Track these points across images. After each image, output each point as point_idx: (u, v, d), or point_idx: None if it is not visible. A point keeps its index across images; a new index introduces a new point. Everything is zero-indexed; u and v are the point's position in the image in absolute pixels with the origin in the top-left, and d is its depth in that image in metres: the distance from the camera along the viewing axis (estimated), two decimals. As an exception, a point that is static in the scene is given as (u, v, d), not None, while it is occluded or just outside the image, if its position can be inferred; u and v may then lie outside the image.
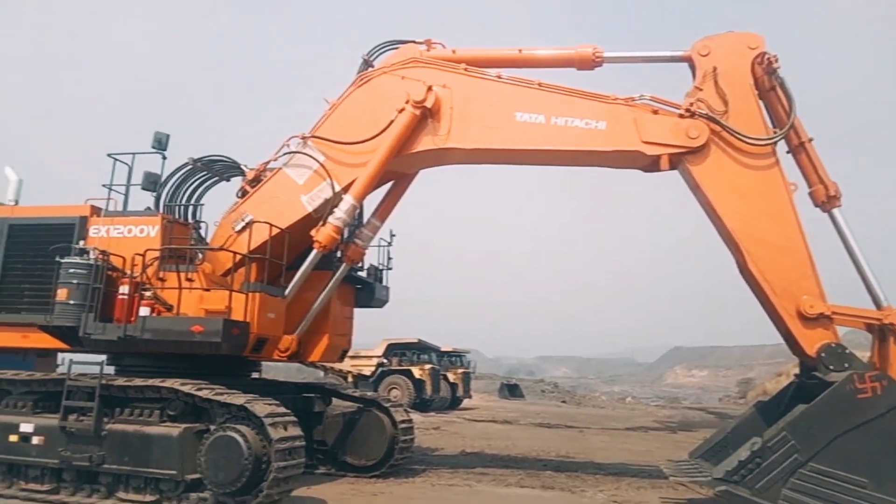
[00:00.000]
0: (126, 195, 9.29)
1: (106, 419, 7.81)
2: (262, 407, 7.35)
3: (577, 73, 9.63)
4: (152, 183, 9.28)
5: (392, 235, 11.77)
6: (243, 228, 9.33)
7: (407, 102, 9.27)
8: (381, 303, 11.64)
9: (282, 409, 7.63)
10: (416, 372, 28.22)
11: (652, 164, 9.09)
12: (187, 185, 10.26)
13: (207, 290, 8.59)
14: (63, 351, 9.29)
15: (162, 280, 8.68)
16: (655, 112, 8.93)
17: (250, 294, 8.40)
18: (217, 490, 7.21)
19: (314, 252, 9.36)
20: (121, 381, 7.91)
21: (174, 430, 7.51)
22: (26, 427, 8.02)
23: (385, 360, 29.15)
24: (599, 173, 9.97)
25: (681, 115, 8.78)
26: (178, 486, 7.43)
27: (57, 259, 8.46)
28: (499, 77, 9.37)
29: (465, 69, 9.45)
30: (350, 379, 27.59)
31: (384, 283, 11.69)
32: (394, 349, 29.78)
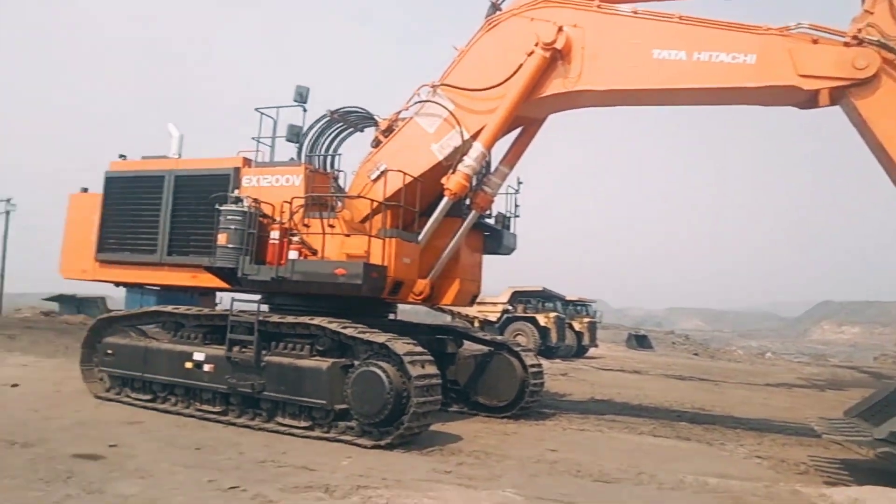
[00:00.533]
0: (272, 147, 9.96)
1: (264, 352, 8.61)
2: (401, 345, 7.77)
3: (721, 6, 8.96)
4: (295, 134, 9.85)
5: (519, 183, 11.75)
6: (378, 177, 9.72)
7: (536, 45, 9.10)
8: (509, 250, 11.73)
9: (419, 349, 8.03)
10: (541, 319, 28.37)
11: (809, 101, 8.36)
12: (325, 136, 10.77)
13: (348, 235, 9.09)
14: (222, 290, 10.27)
15: (307, 226, 9.28)
16: (815, 42, 8.13)
17: (387, 239, 8.80)
18: (362, 420, 7.80)
19: (445, 199, 9.57)
20: (275, 318, 8.65)
21: (323, 363, 8.15)
22: (199, 356, 9.04)
23: (510, 307, 29.53)
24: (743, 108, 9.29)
25: (846, 44, 7.94)
26: (328, 415, 8.09)
27: (216, 206, 9.29)
28: (634, 13, 8.91)
29: (598, 6, 9.07)
30: (476, 324, 28.24)
31: (512, 231, 11.76)
32: (519, 296, 30.02)
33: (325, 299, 9.40)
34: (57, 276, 11.60)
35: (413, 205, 9.35)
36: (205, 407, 9.00)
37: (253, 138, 10.04)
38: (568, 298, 32.68)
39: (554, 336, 28.10)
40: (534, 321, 28.40)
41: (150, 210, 10.40)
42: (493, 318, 29.25)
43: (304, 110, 9.88)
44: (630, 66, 8.82)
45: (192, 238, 10.01)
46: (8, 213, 36.76)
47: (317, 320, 8.39)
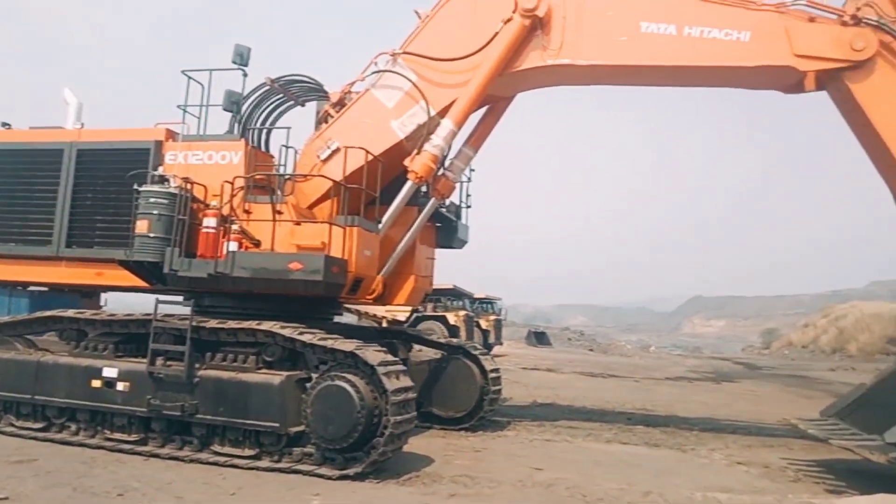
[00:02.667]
0: (203, 118, 8.37)
1: (197, 365, 7.07)
2: (373, 354, 6.53)
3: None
4: (234, 103, 8.33)
5: (471, 170, 10.74)
6: (329, 156, 8.40)
7: (514, 11, 8.13)
8: (462, 243, 10.69)
9: (391, 357, 6.83)
10: (452, 318, 27.55)
11: (797, 84, 7.91)
12: (261, 108, 9.26)
13: (298, 223, 7.72)
14: (138, 290, 8.54)
15: (248, 213, 7.81)
16: (812, 20, 7.68)
17: (348, 228, 7.51)
18: (325, 445, 6.48)
19: (409, 183, 8.39)
20: (213, 324, 7.13)
21: (274, 378, 6.75)
22: (110, 372, 7.32)
23: (420, 306, 28.48)
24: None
25: (843, 23, 7.52)
26: (280, 440, 6.71)
27: (135, 187, 7.63)
28: (621, -19, 8.14)
29: (581, -29, 8.21)
30: (384, 324, 27.02)
31: (464, 222, 10.73)
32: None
33: (263, 300, 7.98)
34: None
35: (373, 188, 8.10)
36: (118, 436, 7.30)
37: (179, 106, 8.40)
38: (476, 296, 32.17)
39: (463, 334, 27.32)
40: (443, 320, 27.52)
41: (44, 192, 8.51)
42: (402, 317, 28.03)
43: (245, 74, 8.34)
44: (615, 39, 8.05)
45: (100, 226, 8.27)
46: None
47: (266, 325, 6.97)
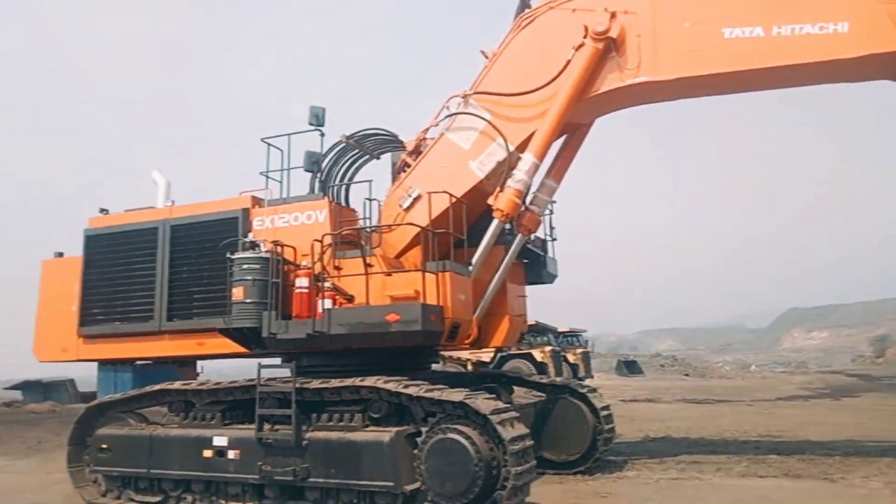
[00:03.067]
0: (286, 182, 8.51)
1: (304, 427, 6.95)
2: (484, 402, 6.23)
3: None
4: (314, 163, 8.42)
5: (552, 202, 10.43)
6: (411, 204, 8.34)
7: (585, 36, 7.91)
8: (552, 277, 10.31)
9: (503, 404, 6.51)
10: (538, 355, 26.72)
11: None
12: (339, 165, 9.36)
13: (389, 274, 7.61)
14: (239, 356, 8.61)
15: (338, 269, 7.77)
16: (914, 1, 7.08)
17: (441, 274, 7.33)
18: (444, 502, 6.17)
19: (495, 222, 8.18)
20: (316, 383, 7.03)
21: (384, 435, 6.53)
22: (220, 440, 7.32)
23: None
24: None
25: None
26: (397, 500, 6.45)
27: (227, 255, 7.75)
28: (695, -11, 7.82)
29: (651, -14, 7.95)
30: (470, 367, 26.52)
31: (551, 256, 10.37)
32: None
33: (361, 355, 7.86)
34: (20, 362, 9.81)
35: (459, 231, 7.92)
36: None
37: (261, 173, 8.57)
38: (560, 330, 31.27)
39: (552, 371, 26.43)
40: (530, 357, 26.75)
41: (143, 270, 8.79)
42: (486, 358, 27.50)
43: (322, 134, 8.46)
44: (698, 49, 7.68)
45: (197, 297, 8.42)
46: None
47: (368, 381, 6.81)
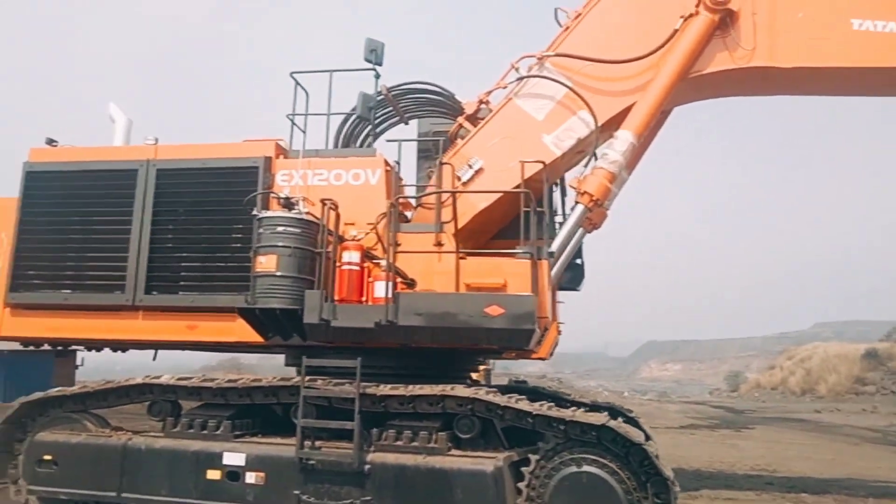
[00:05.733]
0: (327, 130, 6.73)
1: (364, 447, 5.27)
2: (633, 430, 4.91)
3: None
4: (370, 109, 6.72)
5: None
6: (471, 178, 6.89)
7: (698, 5, 6.87)
8: (579, 283, 9.21)
9: (640, 429, 5.22)
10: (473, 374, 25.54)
11: None
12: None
13: (464, 257, 6.10)
14: (248, 347, 6.71)
15: (394, 245, 6.15)
16: None
17: (539, 261, 5.92)
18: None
19: (579, 208, 6.89)
20: (385, 390, 5.37)
21: (485, 463, 5.01)
22: (234, 458, 5.44)
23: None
24: None
25: None
26: (495, 546, 4.97)
27: (255, 214, 5.89)
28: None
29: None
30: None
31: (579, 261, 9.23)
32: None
33: (409, 355, 6.29)
34: None
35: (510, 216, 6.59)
36: (246, 545, 5.39)
37: (288, 116, 6.74)
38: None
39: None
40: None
41: (114, 224, 6.62)
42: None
43: (377, 75, 6.78)
44: (819, 38, 6.86)
45: (191, 266, 6.43)
46: None
47: (460, 390, 5.28)
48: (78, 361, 27.93)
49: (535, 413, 5.01)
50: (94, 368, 29.10)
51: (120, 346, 7.33)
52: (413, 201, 7.14)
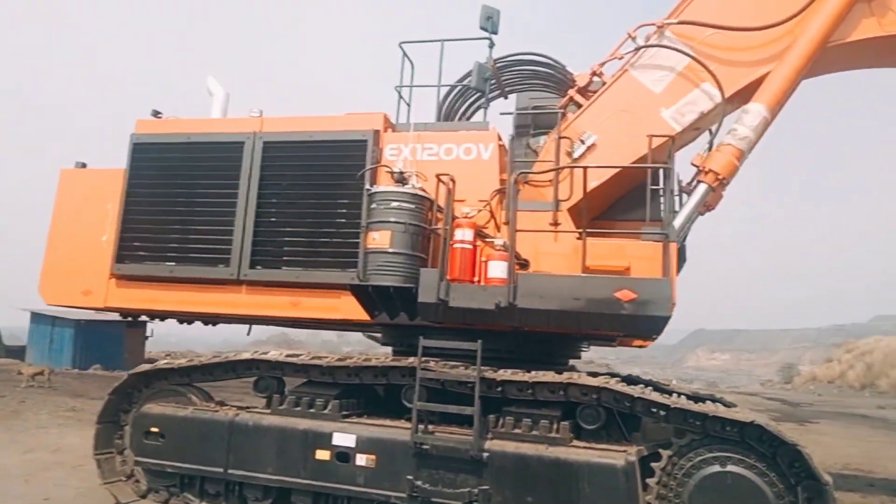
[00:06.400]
0: (438, 102, 6.46)
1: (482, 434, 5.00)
2: (778, 426, 4.46)
3: None
4: (485, 80, 6.39)
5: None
6: (584, 154, 6.46)
7: (843, -32, 6.23)
8: (681, 267, 8.66)
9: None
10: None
11: None
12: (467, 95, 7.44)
13: (580, 236, 5.71)
14: (348, 325, 6.54)
15: (514, 223, 5.82)
16: None
17: (667, 244, 5.49)
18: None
19: (703, 188, 6.40)
20: (506, 375, 5.09)
21: (615, 457, 4.66)
22: (343, 439, 5.26)
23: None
24: None
25: None
26: (624, 546, 4.63)
27: (368, 188, 5.68)
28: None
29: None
30: None
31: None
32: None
33: (509, 339, 5.97)
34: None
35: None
36: (356, 529, 5.22)
37: (396, 88, 6.50)
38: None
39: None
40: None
41: (220, 197, 6.53)
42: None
43: (491, 45, 6.45)
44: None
45: (296, 240, 6.27)
46: None
47: (585, 378, 4.94)
48: (147, 333, 29.09)
49: (672, 406, 4.60)
50: (152, 341, 30.07)
51: (221, 320, 7.30)
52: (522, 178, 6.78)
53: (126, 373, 6.39)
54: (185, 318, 7.58)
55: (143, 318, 7.47)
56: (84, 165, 7.40)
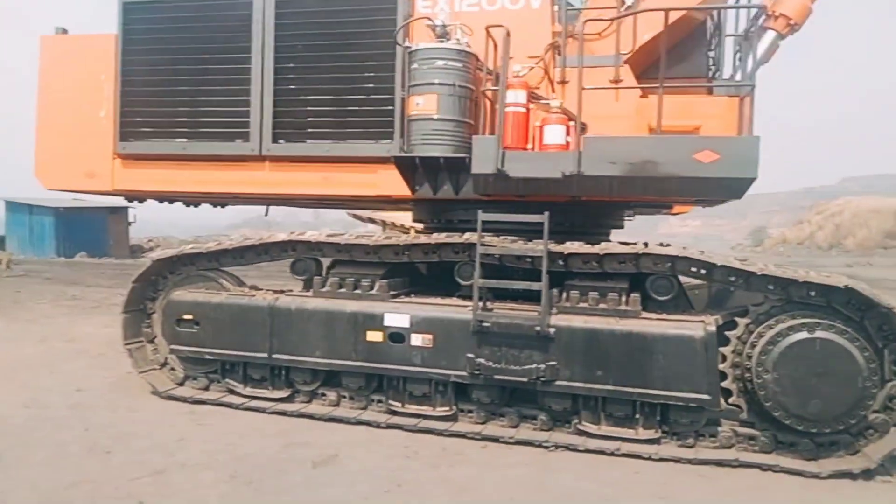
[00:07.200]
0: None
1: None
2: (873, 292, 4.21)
3: None
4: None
5: None
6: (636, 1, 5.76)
7: None
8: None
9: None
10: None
11: None
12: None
13: (645, 95, 5.18)
14: (373, 203, 6.08)
15: (563, 83, 5.25)
16: None
17: (742, 98, 5.00)
18: (808, 427, 4.28)
19: (771, 35, 5.78)
20: (573, 247, 4.75)
21: (693, 328, 4.44)
22: (396, 320, 4.98)
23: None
24: None
25: None
26: (700, 418, 4.53)
27: (406, 45, 5.02)
28: None
29: None
30: (413, 233, 23.56)
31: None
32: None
33: (559, 209, 5.57)
34: None
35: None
36: (413, 408, 5.07)
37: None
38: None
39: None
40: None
41: (229, 63, 5.80)
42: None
43: None
44: None
45: (323, 110, 5.64)
46: None
47: (656, 247, 4.64)
48: (130, 218, 28.39)
49: (759, 273, 4.33)
50: (138, 227, 29.42)
51: (239, 200, 6.81)
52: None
53: (148, 259, 5.97)
54: (199, 200, 7.07)
55: (154, 201, 6.92)
56: (65, 31, 6.54)
